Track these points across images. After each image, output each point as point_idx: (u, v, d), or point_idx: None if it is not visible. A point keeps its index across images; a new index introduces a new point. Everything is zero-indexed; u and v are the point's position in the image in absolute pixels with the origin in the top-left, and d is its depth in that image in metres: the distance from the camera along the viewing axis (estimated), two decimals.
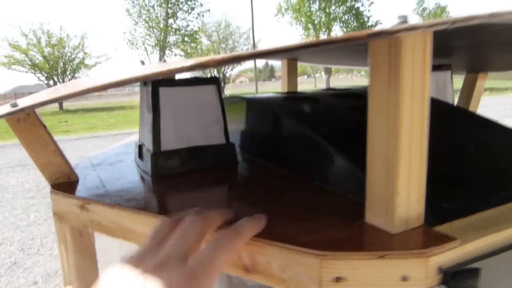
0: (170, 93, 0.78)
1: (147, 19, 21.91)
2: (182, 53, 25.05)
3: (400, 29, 0.37)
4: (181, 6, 22.18)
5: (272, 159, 0.80)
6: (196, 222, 0.44)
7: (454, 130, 0.75)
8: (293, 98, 0.85)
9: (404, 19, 0.42)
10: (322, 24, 26.63)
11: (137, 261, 0.39)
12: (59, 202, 0.71)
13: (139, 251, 0.42)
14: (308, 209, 0.57)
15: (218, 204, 0.65)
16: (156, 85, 0.77)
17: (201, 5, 22.88)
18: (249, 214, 0.49)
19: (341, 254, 0.42)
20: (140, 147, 0.85)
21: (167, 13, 21.89)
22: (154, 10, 21.94)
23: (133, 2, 21.88)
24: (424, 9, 35.20)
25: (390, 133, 0.45)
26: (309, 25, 26.77)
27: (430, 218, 0.49)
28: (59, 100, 0.53)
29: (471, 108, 1.28)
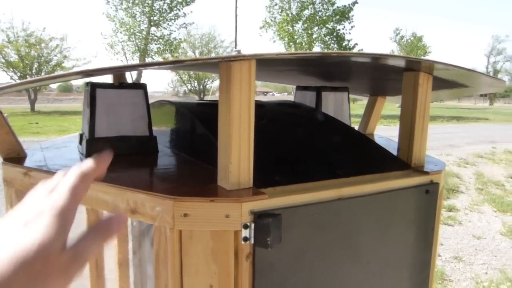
0: (105, 93, 1.01)
1: (128, 26, 22.00)
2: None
3: (231, 57, 0.61)
4: (164, 15, 22.41)
5: (183, 150, 1.04)
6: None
7: (308, 131, 1.01)
8: (203, 104, 1.10)
9: (238, 51, 0.66)
10: (303, 43, 27.40)
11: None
12: (8, 170, 0.92)
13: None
14: (189, 178, 0.81)
15: (131, 176, 0.87)
16: (94, 86, 1.00)
17: (184, 15, 23.17)
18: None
19: (187, 198, 0.66)
20: (81, 135, 1.07)
21: (149, 20, 22.06)
22: (136, 17, 22.07)
23: (115, 7, 21.97)
24: (402, 37, 36.70)
25: (227, 126, 0.69)
26: (291, 43, 27.51)
27: (261, 184, 0.73)
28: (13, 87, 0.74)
29: (370, 124, 1.56)
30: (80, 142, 1.08)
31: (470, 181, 6.50)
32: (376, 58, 0.86)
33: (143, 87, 1.06)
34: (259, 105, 1.13)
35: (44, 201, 0.39)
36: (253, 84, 0.69)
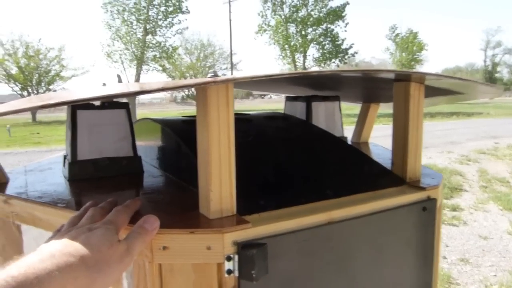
0: (86, 115, 0.97)
1: (124, 34, 22.06)
2: (160, 68, 25.27)
3: (208, 81, 0.58)
4: (159, 23, 22.49)
5: (168, 170, 1.00)
6: (96, 210, 0.63)
7: (296, 147, 0.97)
8: (188, 121, 1.06)
9: (215, 74, 0.62)
10: (298, 45, 27.38)
11: (62, 233, 0.56)
12: None
13: (58, 232, 0.58)
14: (171, 204, 0.77)
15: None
16: (75, 108, 0.97)
17: (179, 22, 23.23)
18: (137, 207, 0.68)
19: (166, 230, 0.62)
20: (64, 157, 1.04)
21: (145, 28, 22.11)
22: (132, 25, 22.13)
23: (113, 16, 22.06)
24: (397, 35, 36.64)
25: (206, 154, 0.65)
26: (286, 46, 27.52)
27: (245, 210, 0.70)
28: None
29: (364, 132, 1.52)
30: (64, 165, 1.04)
31: (473, 178, 6.42)
32: (365, 73, 0.82)
33: (125, 106, 1.02)
34: (246, 120, 1.10)
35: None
36: (231, 108, 0.65)
